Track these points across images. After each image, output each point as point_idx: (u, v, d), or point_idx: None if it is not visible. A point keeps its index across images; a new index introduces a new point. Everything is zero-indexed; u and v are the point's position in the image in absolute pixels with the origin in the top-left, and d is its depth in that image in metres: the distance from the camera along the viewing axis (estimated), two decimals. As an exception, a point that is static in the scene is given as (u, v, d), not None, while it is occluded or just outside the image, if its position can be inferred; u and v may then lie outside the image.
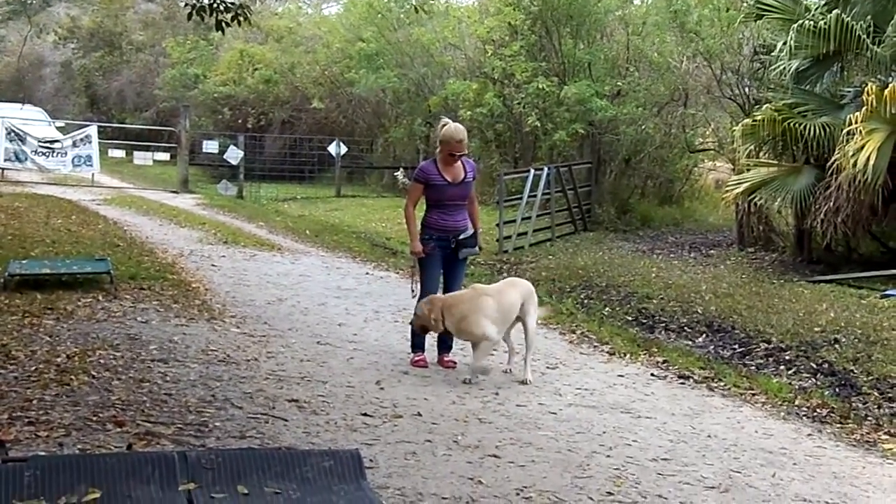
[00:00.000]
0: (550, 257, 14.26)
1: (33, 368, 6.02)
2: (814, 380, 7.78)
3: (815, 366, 8.09)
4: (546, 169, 16.70)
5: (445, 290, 7.21)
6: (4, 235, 11.76)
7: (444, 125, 7.09)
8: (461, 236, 7.12)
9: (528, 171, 16.74)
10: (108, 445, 4.71)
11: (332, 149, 24.61)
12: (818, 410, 6.63)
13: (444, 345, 7.21)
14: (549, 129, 19.14)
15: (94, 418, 5.11)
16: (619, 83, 19.34)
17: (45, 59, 40.40)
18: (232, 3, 9.25)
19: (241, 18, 9.22)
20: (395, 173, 23.13)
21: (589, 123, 18.95)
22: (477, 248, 7.38)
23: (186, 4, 10.08)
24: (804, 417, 6.46)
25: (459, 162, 7.09)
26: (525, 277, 12.71)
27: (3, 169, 21.24)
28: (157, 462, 3.32)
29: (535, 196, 16.07)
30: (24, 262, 9.29)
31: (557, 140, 18.84)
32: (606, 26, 20.80)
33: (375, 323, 8.65)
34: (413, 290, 7.46)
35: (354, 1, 27.12)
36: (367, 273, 11.78)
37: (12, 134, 21.07)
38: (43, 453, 4.44)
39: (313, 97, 26.38)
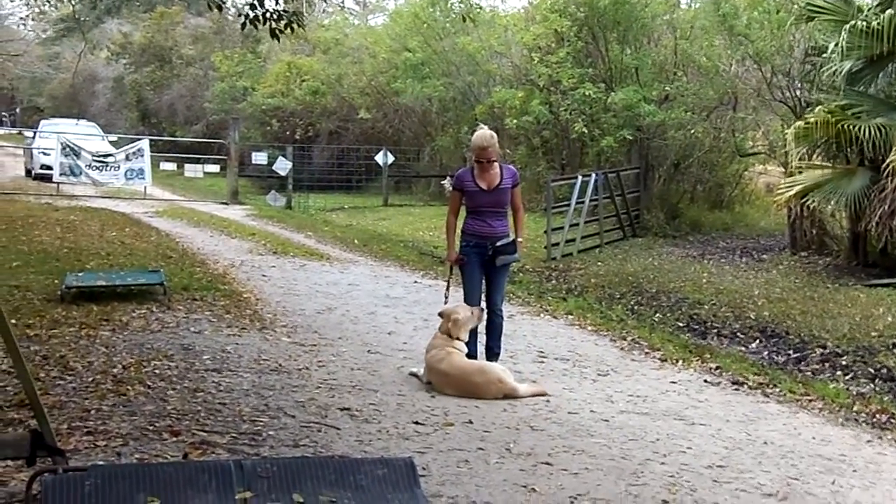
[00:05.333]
0: (599, 264, 14.18)
1: (90, 379, 6.12)
2: (872, 385, 7.64)
3: (872, 371, 7.95)
4: (594, 175, 16.62)
5: (487, 298, 7.19)
6: (61, 248, 11.99)
7: (476, 132, 7.10)
8: (498, 243, 7.01)
9: (576, 177, 16.66)
10: (165, 454, 4.77)
11: (379, 158, 24.73)
12: (877, 416, 6.48)
13: (491, 352, 7.20)
14: (596, 136, 19.04)
15: (151, 428, 5.18)
16: (666, 88, 19.16)
17: (98, 74, 41.24)
18: (285, 12, 9.40)
19: (295, 26, 9.35)
20: (442, 182, 23.13)
21: (637, 129, 18.82)
22: (516, 256, 7.20)
23: (240, 15, 10.28)
24: (863, 423, 6.33)
25: (496, 169, 7.00)
26: (574, 284, 12.75)
27: (58, 183, 21.67)
28: (214, 471, 3.36)
29: (582, 202, 15.99)
30: (80, 274, 9.46)
31: (605, 146, 18.74)
32: (654, 31, 20.66)
33: (425, 331, 8.62)
34: (445, 297, 7.45)
35: (400, 11, 27.27)
36: (416, 281, 11.80)
37: (67, 149, 21.51)
38: (102, 463, 4.50)
39: (360, 107, 26.53)
